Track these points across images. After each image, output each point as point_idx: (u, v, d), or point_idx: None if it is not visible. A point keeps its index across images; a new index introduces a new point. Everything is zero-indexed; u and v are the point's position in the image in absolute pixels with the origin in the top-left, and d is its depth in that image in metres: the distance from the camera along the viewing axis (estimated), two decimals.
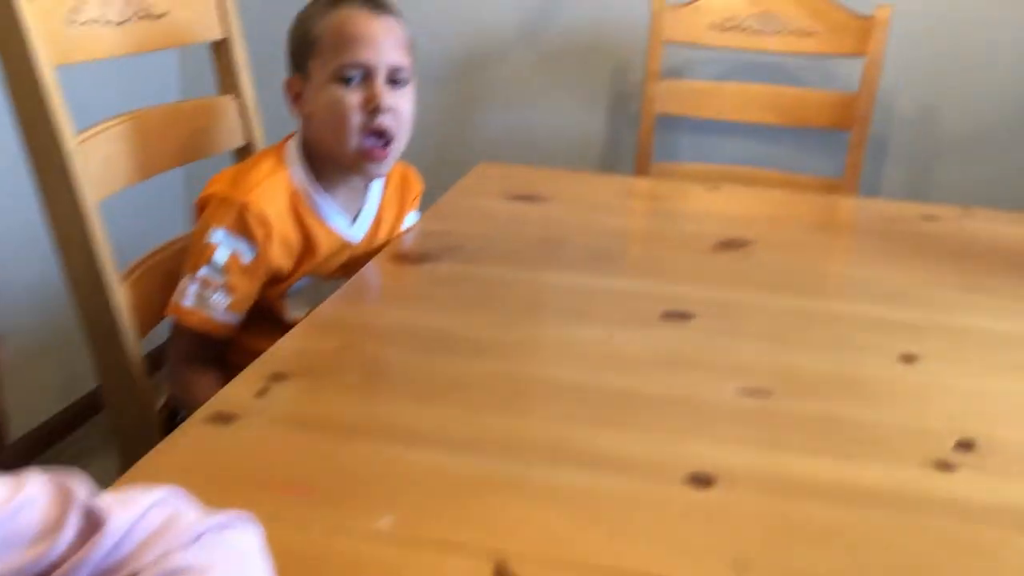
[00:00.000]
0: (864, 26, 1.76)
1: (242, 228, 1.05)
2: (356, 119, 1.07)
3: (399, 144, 1.11)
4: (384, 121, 1.07)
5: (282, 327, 0.99)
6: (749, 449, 0.71)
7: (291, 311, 1.13)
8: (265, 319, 1.12)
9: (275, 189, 1.08)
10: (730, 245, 1.21)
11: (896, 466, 0.69)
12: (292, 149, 1.13)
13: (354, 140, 1.07)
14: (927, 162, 2.00)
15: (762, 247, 1.21)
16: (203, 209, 1.08)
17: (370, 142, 1.08)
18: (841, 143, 1.97)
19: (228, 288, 1.05)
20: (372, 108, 1.06)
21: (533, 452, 0.69)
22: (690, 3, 1.82)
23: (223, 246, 1.04)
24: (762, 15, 1.79)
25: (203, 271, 1.04)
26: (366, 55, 1.06)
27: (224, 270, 1.04)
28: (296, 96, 1.12)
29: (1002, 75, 1.91)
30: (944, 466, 0.69)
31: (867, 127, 1.78)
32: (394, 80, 1.09)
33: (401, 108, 1.09)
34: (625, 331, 0.92)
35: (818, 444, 0.72)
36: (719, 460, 0.68)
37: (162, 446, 0.69)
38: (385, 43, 1.08)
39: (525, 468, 0.67)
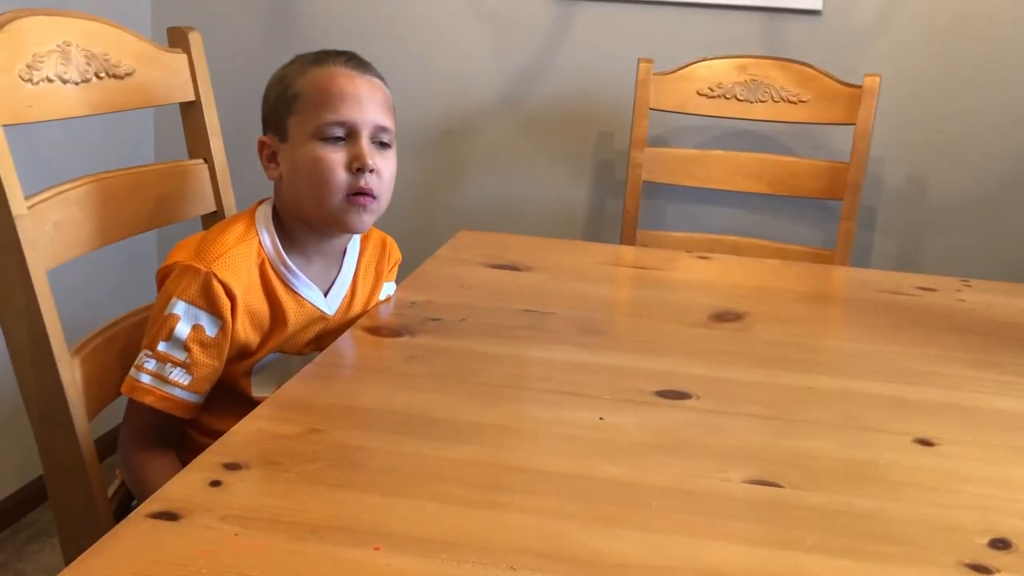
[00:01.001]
0: (853, 95, 1.73)
1: (206, 300, 0.97)
2: (340, 177, 1.01)
3: (381, 204, 1.05)
4: (369, 181, 1.01)
5: (247, 405, 0.92)
6: (762, 550, 0.63)
7: (258, 389, 1.05)
8: (229, 397, 1.04)
9: (243, 258, 1.01)
10: (724, 317, 1.14)
11: (926, 569, 0.62)
12: (264, 215, 1.06)
13: (336, 199, 1.01)
14: (916, 232, 1.97)
15: (758, 320, 1.15)
16: (165, 278, 1.01)
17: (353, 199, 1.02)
18: (829, 212, 1.94)
19: (189, 365, 0.97)
20: (357, 167, 1.01)
21: (518, 554, 0.61)
22: (676, 70, 1.79)
23: (185, 319, 0.97)
24: (750, 83, 1.76)
25: (162, 346, 0.97)
26: (351, 113, 1.01)
27: (185, 345, 0.97)
28: (270, 157, 1.06)
29: (989, 144, 1.89)
30: (981, 569, 0.61)
31: (858, 196, 1.75)
32: (377, 141, 1.03)
33: (384, 170, 1.03)
34: (617, 412, 0.84)
35: (837, 543, 0.64)
36: (730, 564, 0.61)
37: (100, 544, 0.61)
38: (370, 103, 1.03)
39: (510, 574, 0.59)
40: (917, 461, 0.78)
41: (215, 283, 0.97)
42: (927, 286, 1.35)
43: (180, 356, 0.97)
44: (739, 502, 0.70)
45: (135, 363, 0.98)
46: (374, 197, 1.02)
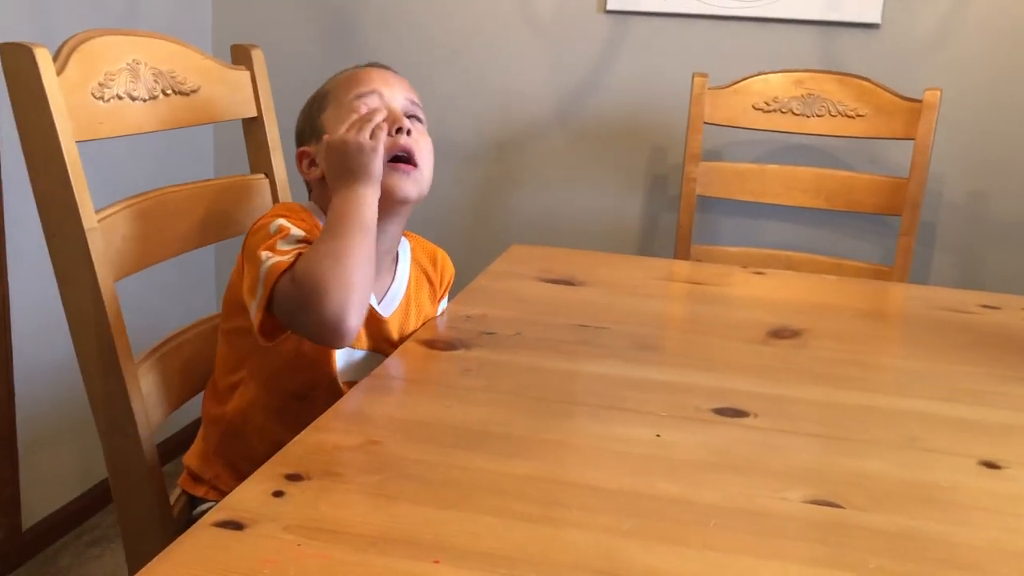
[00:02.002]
0: (912, 109, 1.71)
1: (298, 221, 0.97)
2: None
3: (423, 175, 1.04)
4: (408, 144, 1.02)
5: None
6: (823, 571, 0.62)
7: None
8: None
9: (312, 225, 1.02)
10: (781, 334, 1.13)
11: None
12: (311, 205, 1.07)
13: None
14: (977, 249, 1.93)
15: (815, 336, 1.13)
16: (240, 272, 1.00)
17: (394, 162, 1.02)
18: (886, 228, 1.91)
19: (311, 241, 0.94)
20: (396, 128, 1.01)
21: (577, 570, 0.61)
22: (732, 85, 1.78)
23: (293, 227, 0.95)
24: (806, 97, 1.75)
25: (280, 244, 0.93)
26: (381, 86, 1.05)
27: (303, 238, 0.94)
28: (310, 164, 1.07)
29: None
30: None
31: (917, 212, 1.72)
32: (411, 116, 1.06)
33: (422, 142, 1.05)
34: (674, 429, 0.84)
35: (900, 566, 0.63)
36: None
37: (167, 552, 0.62)
38: (397, 82, 1.08)
39: None
40: (983, 484, 0.77)
41: (301, 215, 0.99)
42: (991, 304, 1.32)
43: (299, 245, 0.93)
44: (798, 522, 0.69)
45: (259, 261, 0.91)
46: (415, 165, 1.03)
